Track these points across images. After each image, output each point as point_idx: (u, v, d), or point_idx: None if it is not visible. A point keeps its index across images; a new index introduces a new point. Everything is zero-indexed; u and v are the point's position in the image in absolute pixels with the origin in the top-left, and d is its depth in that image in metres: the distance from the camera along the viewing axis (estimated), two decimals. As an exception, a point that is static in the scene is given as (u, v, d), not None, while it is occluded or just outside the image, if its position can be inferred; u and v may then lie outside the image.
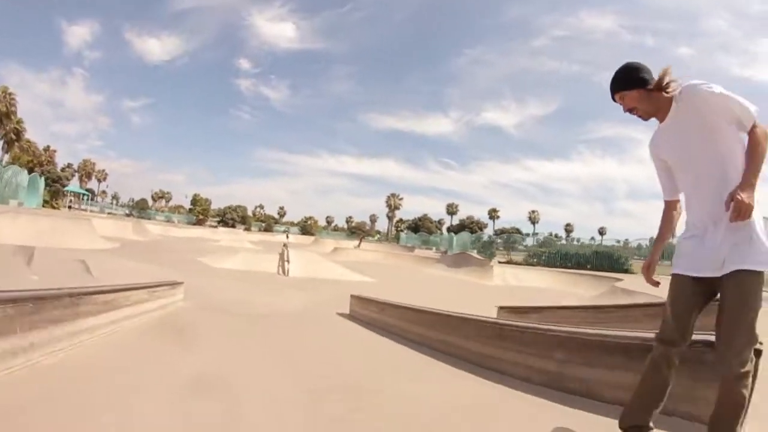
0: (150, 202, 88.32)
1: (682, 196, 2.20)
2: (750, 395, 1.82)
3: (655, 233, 2.37)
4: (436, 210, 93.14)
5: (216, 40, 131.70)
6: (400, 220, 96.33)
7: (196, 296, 8.26)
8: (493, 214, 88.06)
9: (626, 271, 23.85)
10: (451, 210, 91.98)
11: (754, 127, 1.92)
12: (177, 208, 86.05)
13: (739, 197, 1.77)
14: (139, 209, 73.37)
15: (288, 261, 16.99)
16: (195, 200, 76.75)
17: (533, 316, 7.54)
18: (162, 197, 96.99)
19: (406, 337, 5.74)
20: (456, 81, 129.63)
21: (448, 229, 78.48)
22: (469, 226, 76.82)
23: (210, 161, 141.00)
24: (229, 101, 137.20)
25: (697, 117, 1.99)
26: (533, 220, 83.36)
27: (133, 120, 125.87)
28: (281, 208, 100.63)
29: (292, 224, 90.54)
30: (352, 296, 9.03)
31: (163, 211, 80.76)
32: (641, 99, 2.15)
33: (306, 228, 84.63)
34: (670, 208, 2.26)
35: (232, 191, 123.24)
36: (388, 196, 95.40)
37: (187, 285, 8.10)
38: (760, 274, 1.82)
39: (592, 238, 37.45)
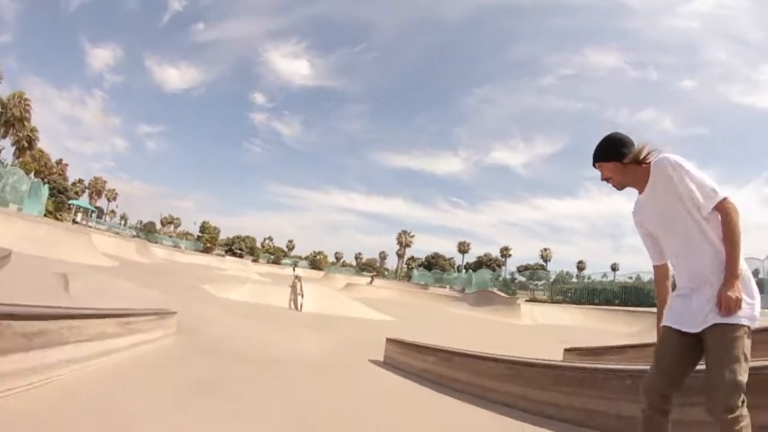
0: (159, 226, 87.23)
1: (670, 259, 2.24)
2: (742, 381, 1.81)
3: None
4: (445, 249, 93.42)
5: (233, 73, 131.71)
6: (412, 258, 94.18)
7: (192, 331, 6.45)
8: (504, 252, 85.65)
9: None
10: (463, 248, 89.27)
11: (722, 205, 1.95)
12: (185, 235, 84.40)
13: (725, 296, 1.85)
14: (147, 232, 71.74)
15: (301, 295, 14.91)
16: (204, 228, 75.57)
17: (613, 357, 6.30)
18: (171, 222, 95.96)
19: (473, 394, 4.36)
20: (465, 120, 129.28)
21: (465, 267, 75.94)
22: (487, 263, 74.40)
23: (220, 191, 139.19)
24: (242, 134, 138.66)
25: (671, 189, 2.06)
26: (545, 258, 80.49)
27: (148, 145, 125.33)
28: (290, 241, 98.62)
29: (300, 258, 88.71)
30: (389, 340, 7.18)
31: (171, 236, 79.36)
32: (616, 171, 2.27)
33: (315, 263, 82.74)
34: (659, 272, 2.31)
35: (240, 223, 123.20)
36: (399, 233, 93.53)
37: (183, 316, 6.39)
38: (740, 327, 1.86)
39: (605, 275, 35.79)
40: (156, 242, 56.15)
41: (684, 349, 2.02)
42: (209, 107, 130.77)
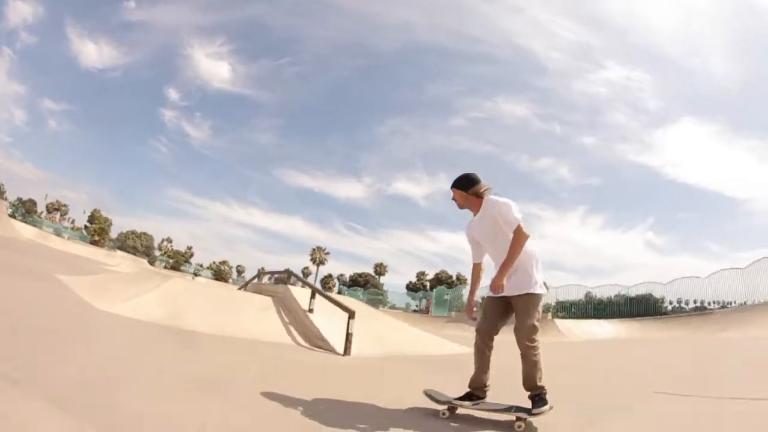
0: (42, 211, 73.13)
1: (485, 258, 3.57)
2: (538, 360, 3.08)
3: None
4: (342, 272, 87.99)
5: (152, 61, 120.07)
6: (329, 276, 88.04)
7: None
8: (421, 277, 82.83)
9: (665, 313, 21.31)
10: (380, 270, 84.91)
11: (516, 229, 3.14)
12: (72, 226, 71.50)
13: (495, 280, 3.14)
14: (26, 210, 58.15)
15: (350, 322, 6.74)
16: (93, 217, 64.02)
17: None
18: (57, 209, 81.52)
19: None
20: (373, 148, 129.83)
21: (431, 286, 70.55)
22: (447, 281, 70.06)
23: (117, 188, 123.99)
24: (149, 129, 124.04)
25: (492, 218, 3.29)
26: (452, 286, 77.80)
27: (49, 123, 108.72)
28: (189, 248, 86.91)
29: (202, 267, 79.02)
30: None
31: (53, 222, 66.24)
32: (461, 197, 3.50)
33: (220, 273, 73.61)
34: (476, 268, 3.61)
35: (134, 225, 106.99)
36: (314, 249, 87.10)
37: None
38: (535, 294, 3.16)
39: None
40: (33, 225, 44.77)
41: (500, 308, 3.32)
42: (121, 94, 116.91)
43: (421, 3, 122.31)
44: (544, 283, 3.27)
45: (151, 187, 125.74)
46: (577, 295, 27.14)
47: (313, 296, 8.08)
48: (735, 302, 18.95)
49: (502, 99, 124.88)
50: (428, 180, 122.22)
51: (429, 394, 3.36)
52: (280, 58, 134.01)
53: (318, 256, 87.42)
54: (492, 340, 3.28)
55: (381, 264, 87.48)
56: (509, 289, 3.16)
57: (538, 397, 3.04)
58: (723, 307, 18.94)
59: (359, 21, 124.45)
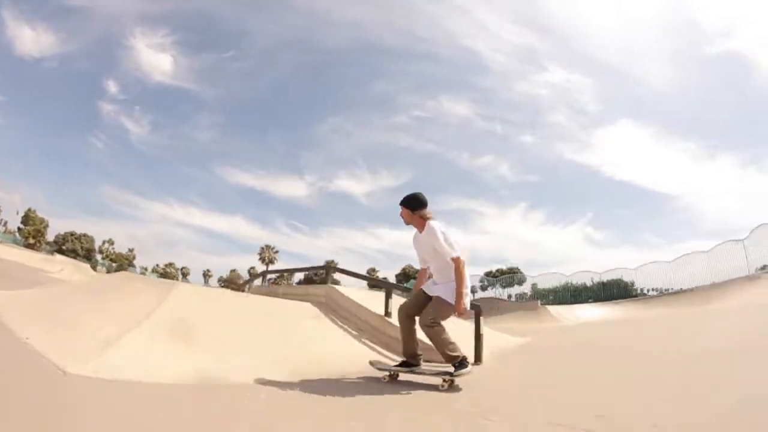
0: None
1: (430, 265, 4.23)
2: (443, 334, 3.81)
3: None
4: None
5: (92, 50, 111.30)
6: (282, 276, 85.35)
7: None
8: (372, 273, 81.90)
9: (636, 296, 22.18)
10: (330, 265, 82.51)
11: (454, 260, 3.88)
12: (5, 229, 65.45)
13: (459, 309, 3.82)
14: None
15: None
16: (28, 218, 58.94)
17: None
18: (-18, 211, 74.81)
19: None
20: (315, 146, 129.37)
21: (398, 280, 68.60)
22: (414, 275, 68.48)
23: (50, 187, 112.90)
24: (87, 124, 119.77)
25: (430, 241, 3.99)
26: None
27: None
28: (131, 250, 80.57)
29: (146, 270, 74.99)
30: None
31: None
32: (408, 215, 4.14)
33: (166, 277, 70.08)
34: (423, 271, 4.35)
35: (70, 226, 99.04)
36: (262, 248, 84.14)
37: None
38: (445, 300, 3.89)
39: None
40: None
41: (424, 298, 4.10)
42: (57, 86, 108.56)
43: (370, 0, 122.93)
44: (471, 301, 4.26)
45: (86, 185, 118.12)
46: (553, 283, 27.75)
47: (389, 296, 6.31)
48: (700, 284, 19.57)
49: (444, 98, 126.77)
50: (370, 177, 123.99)
51: (373, 364, 4.26)
52: (225, 52, 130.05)
53: (267, 255, 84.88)
54: (411, 316, 4.11)
55: (332, 261, 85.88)
56: (434, 291, 4.05)
57: (459, 364, 3.76)
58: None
59: (308, 17, 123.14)
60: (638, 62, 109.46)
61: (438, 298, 3.93)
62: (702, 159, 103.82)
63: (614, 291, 23.85)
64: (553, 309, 18.30)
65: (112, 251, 76.59)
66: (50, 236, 61.39)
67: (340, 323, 6.30)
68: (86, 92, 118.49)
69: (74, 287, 7.89)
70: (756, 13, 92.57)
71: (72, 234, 63.48)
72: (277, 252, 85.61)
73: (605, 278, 25.18)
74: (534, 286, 28.80)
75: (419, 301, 4.11)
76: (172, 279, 69.21)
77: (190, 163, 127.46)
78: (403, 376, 4.03)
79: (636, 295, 22.16)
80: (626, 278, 24.59)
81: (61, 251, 54.29)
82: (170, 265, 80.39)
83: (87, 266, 41.75)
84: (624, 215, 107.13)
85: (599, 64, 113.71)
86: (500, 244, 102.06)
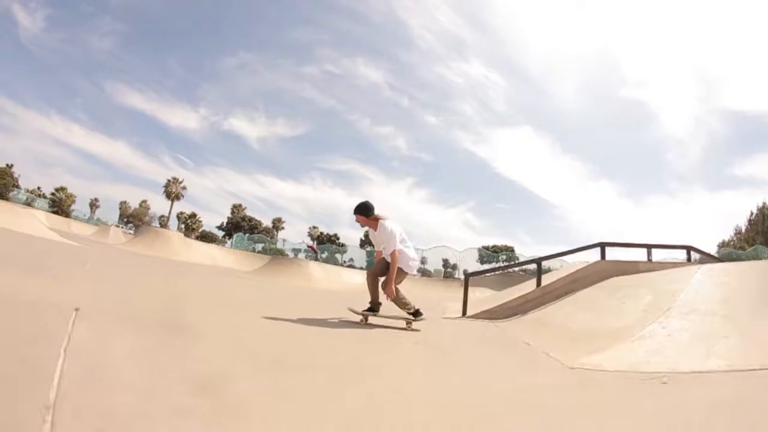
0: None
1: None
2: (398, 294, 5.43)
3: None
4: (162, 208, 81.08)
5: None
6: (193, 216, 77.51)
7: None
8: (277, 224, 77.38)
9: None
10: (237, 212, 76.88)
11: (391, 254, 5.35)
12: None
13: (387, 291, 5.37)
14: None
15: None
16: None
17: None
18: None
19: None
20: (217, 79, 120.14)
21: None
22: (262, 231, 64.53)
23: None
24: None
25: (382, 235, 5.45)
26: (312, 236, 73.95)
27: None
28: (9, 166, 64.93)
29: (32, 194, 64.01)
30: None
31: None
32: (363, 220, 5.55)
33: (59, 204, 59.91)
34: (377, 253, 5.67)
35: None
36: (169, 181, 76.09)
37: None
38: (400, 270, 5.48)
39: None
40: None
41: (385, 266, 5.46)
42: None
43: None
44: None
45: None
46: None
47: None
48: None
49: (361, 60, 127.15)
50: (266, 122, 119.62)
51: (350, 309, 5.84)
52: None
53: (174, 189, 76.60)
54: (376, 276, 5.57)
55: (238, 205, 79.06)
56: (386, 290, 5.44)
57: (415, 313, 5.42)
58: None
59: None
60: (555, 81, 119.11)
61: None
62: (585, 179, 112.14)
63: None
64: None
65: (-13, 164, 64.22)
66: None
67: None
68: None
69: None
70: (669, 76, 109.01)
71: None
72: (184, 188, 77.82)
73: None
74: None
75: (381, 265, 5.52)
76: (66, 208, 59.69)
77: (80, 73, 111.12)
78: (375, 320, 5.65)
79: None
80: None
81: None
82: (62, 189, 69.22)
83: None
84: (504, 209, 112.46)
85: (519, 71, 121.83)
86: (379, 211, 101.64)
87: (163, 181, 75.57)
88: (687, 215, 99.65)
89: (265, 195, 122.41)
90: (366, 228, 5.76)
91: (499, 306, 8.15)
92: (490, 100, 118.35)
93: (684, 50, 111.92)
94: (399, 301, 5.42)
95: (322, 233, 70.30)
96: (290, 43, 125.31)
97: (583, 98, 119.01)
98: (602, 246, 9.12)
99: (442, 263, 43.80)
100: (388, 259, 5.39)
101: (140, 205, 77.56)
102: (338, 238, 68.15)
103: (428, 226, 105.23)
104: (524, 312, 7.69)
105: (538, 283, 8.44)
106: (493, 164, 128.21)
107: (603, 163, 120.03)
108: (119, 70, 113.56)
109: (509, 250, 51.13)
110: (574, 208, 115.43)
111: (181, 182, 77.70)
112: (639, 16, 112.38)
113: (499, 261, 44.89)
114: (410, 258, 5.61)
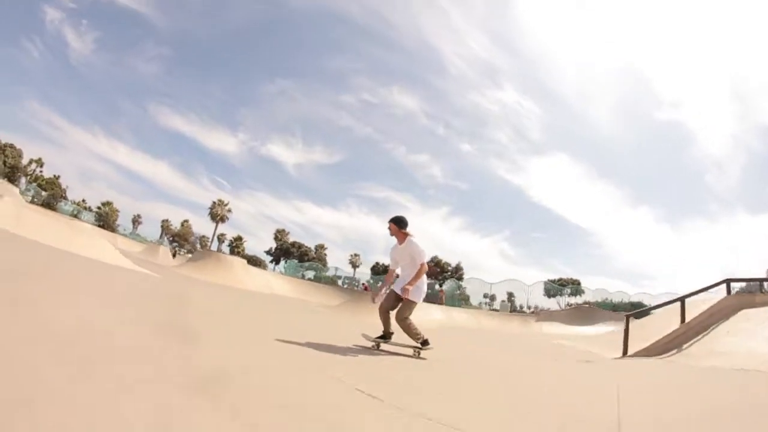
0: None
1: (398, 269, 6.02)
2: (411, 324, 5.62)
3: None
4: (201, 229, 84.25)
5: None
6: (239, 239, 74.96)
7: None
8: (320, 251, 74.89)
9: None
10: (281, 237, 75.50)
11: (421, 263, 5.67)
12: None
13: (405, 288, 5.58)
14: None
15: None
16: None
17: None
18: None
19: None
20: (256, 104, 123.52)
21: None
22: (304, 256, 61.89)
23: None
24: (25, 26, 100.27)
25: (408, 251, 5.74)
26: (355, 264, 71.49)
27: None
28: (56, 176, 65.06)
29: (80, 206, 61.75)
30: None
31: None
32: (395, 230, 5.82)
33: (105, 218, 57.30)
34: (390, 272, 6.11)
35: None
36: (214, 203, 73.80)
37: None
38: (412, 302, 5.67)
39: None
40: None
41: (395, 297, 5.75)
42: None
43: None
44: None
45: (10, 97, 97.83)
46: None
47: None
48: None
49: (396, 88, 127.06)
50: (303, 148, 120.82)
51: (364, 336, 6.14)
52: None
53: (219, 211, 73.97)
54: (387, 311, 5.81)
55: (282, 230, 77.07)
56: (404, 293, 5.63)
57: (423, 343, 5.62)
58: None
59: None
60: (589, 105, 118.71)
61: (408, 300, 5.66)
62: (623, 205, 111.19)
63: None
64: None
65: (40, 174, 62.82)
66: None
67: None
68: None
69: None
70: (705, 95, 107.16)
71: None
72: (230, 210, 75.28)
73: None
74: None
75: (391, 299, 5.85)
76: (112, 223, 57.03)
77: (125, 94, 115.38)
78: (386, 347, 5.90)
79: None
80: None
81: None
82: (107, 204, 67.16)
83: (14, 189, 30.08)
84: (540, 239, 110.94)
85: (553, 97, 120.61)
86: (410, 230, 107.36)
87: (201, 202, 76.20)
88: (728, 239, 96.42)
89: (302, 221, 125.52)
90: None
91: (653, 344, 9.65)
92: (524, 128, 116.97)
93: (718, 66, 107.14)
94: (410, 331, 5.70)
95: (379, 263, 65.97)
96: (327, 71, 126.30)
97: (618, 122, 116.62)
98: (728, 282, 10.92)
99: (507, 296, 43.50)
100: (413, 271, 5.78)
101: (182, 225, 75.97)
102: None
103: (463, 255, 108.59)
104: (679, 346, 9.09)
105: (683, 320, 10.04)
106: (529, 192, 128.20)
107: (640, 188, 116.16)
108: (162, 93, 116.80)
109: (575, 283, 51.10)
110: (611, 234, 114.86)
111: (226, 205, 75.25)
112: (670, 35, 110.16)
113: (563, 294, 44.89)
114: (424, 291, 6.00)
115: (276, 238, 75.98)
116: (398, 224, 5.81)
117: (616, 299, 35.78)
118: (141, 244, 44.90)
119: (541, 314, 29.11)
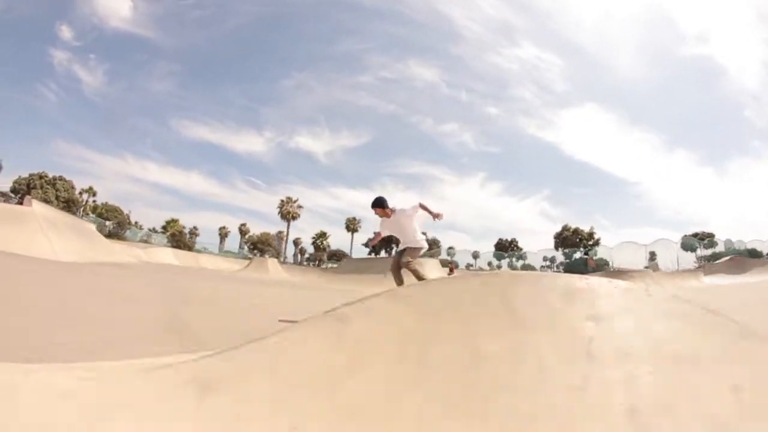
0: None
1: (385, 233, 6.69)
2: (416, 266, 6.23)
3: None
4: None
5: None
6: (323, 235, 69.30)
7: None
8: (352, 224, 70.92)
9: None
10: (352, 227, 70.27)
11: (419, 204, 6.30)
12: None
13: (435, 214, 6.32)
14: None
15: None
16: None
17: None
18: None
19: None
20: (276, 101, 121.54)
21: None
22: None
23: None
24: (37, 73, 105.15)
25: (398, 219, 6.34)
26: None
27: None
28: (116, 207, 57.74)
29: (143, 229, 54.80)
30: None
31: None
32: (381, 211, 6.35)
33: (178, 239, 50.09)
34: (379, 234, 6.76)
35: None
36: (282, 201, 67.53)
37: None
38: (411, 248, 6.33)
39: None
40: None
41: (398, 256, 6.44)
42: (4, 30, 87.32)
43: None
44: (427, 240, 6.71)
45: (36, 141, 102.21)
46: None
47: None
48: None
49: (413, 61, 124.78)
50: (330, 136, 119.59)
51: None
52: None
53: (289, 209, 66.38)
54: (398, 267, 6.30)
55: (353, 219, 69.84)
56: (402, 246, 6.40)
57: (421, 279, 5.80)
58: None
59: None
60: (611, 51, 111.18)
61: (407, 247, 6.30)
62: (660, 151, 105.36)
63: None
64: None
65: (92, 203, 56.12)
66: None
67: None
68: (37, 38, 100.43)
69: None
70: (731, 24, 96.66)
71: (42, 176, 42.70)
72: (300, 206, 68.03)
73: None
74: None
75: (396, 259, 6.43)
76: (186, 243, 49.88)
77: (145, 115, 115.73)
78: None
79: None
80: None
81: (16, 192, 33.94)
82: (174, 222, 60.30)
83: (91, 226, 22.01)
84: (580, 194, 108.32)
85: (572, 47, 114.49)
86: (457, 211, 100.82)
87: (240, 205, 68.39)
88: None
89: (340, 206, 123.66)
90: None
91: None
92: (547, 81, 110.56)
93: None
94: (416, 271, 6.15)
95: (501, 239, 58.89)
96: (340, 56, 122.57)
97: (641, 64, 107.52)
98: None
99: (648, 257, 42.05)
100: (409, 232, 6.50)
101: (239, 228, 70.63)
102: (517, 243, 59.56)
103: (505, 219, 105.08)
104: None
105: None
106: (562, 147, 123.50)
107: (676, 131, 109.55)
108: (181, 108, 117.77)
109: (710, 236, 50.29)
110: (653, 183, 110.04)
111: (295, 201, 67.47)
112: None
113: (701, 247, 44.72)
114: (422, 238, 6.55)
115: (347, 228, 70.95)
116: (381, 206, 6.40)
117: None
118: (235, 260, 37.95)
119: (705, 267, 30.09)
